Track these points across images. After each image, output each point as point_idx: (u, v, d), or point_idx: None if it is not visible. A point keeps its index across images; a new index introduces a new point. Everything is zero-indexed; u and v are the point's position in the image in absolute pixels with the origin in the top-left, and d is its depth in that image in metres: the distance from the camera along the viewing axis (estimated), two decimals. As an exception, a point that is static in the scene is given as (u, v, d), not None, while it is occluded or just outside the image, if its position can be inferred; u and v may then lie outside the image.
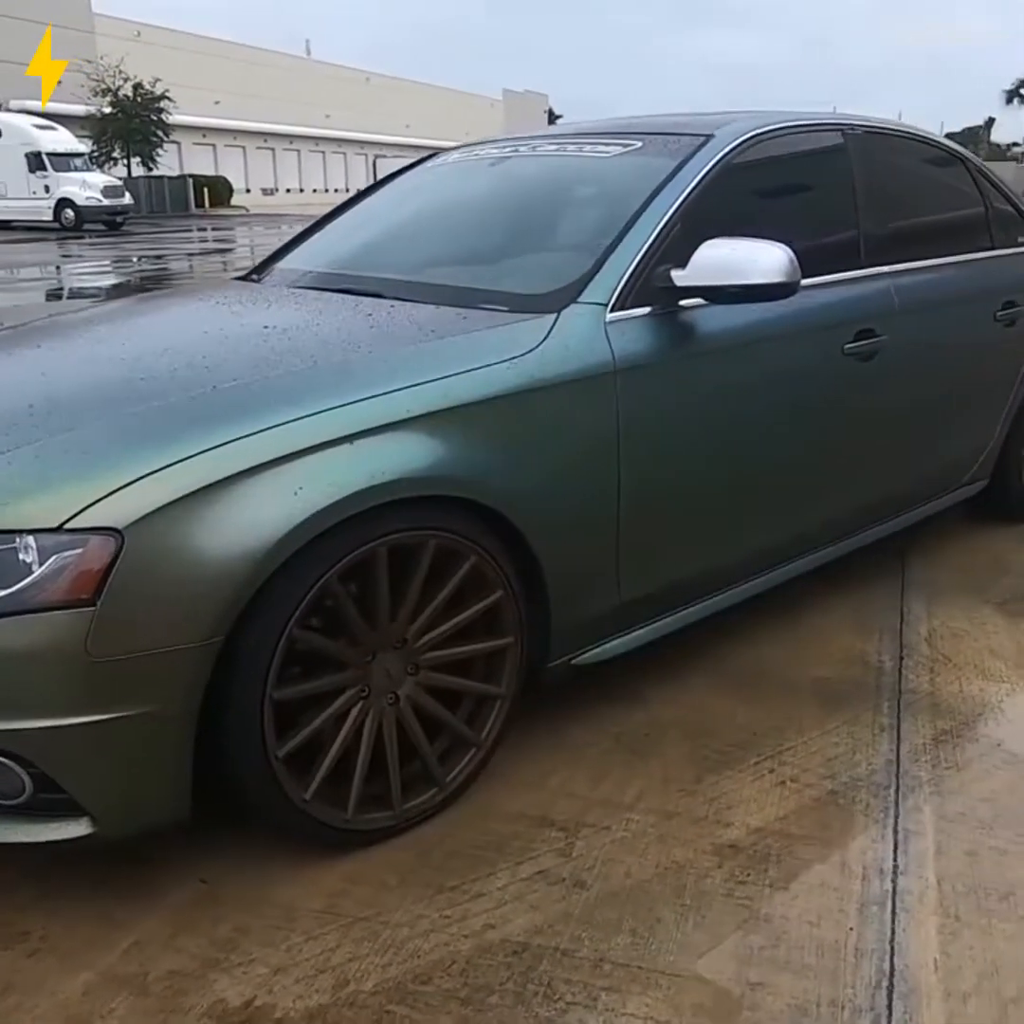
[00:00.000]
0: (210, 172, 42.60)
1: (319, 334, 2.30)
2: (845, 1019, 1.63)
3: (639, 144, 2.82)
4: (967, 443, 3.48)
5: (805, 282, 2.68)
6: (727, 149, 2.67)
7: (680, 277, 2.38)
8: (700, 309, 2.46)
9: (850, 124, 3.11)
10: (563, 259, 2.49)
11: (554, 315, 2.27)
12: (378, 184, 3.49)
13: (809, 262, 2.76)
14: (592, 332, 2.27)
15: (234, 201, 41.36)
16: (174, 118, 37.10)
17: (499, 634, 2.15)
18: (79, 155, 28.53)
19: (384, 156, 47.51)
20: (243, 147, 46.72)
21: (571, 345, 2.23)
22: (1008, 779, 2.26)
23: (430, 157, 3.51)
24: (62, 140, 27.92)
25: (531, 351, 2.17)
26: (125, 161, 36.67)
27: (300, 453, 1.81)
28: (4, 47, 35.88)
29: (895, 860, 2.00)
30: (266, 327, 2.33)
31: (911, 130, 3.45)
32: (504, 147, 3.22)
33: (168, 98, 36.25)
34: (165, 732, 1.73)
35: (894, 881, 1.94)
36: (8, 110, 32.42)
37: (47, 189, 27.06)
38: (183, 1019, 1.62)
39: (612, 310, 2.32)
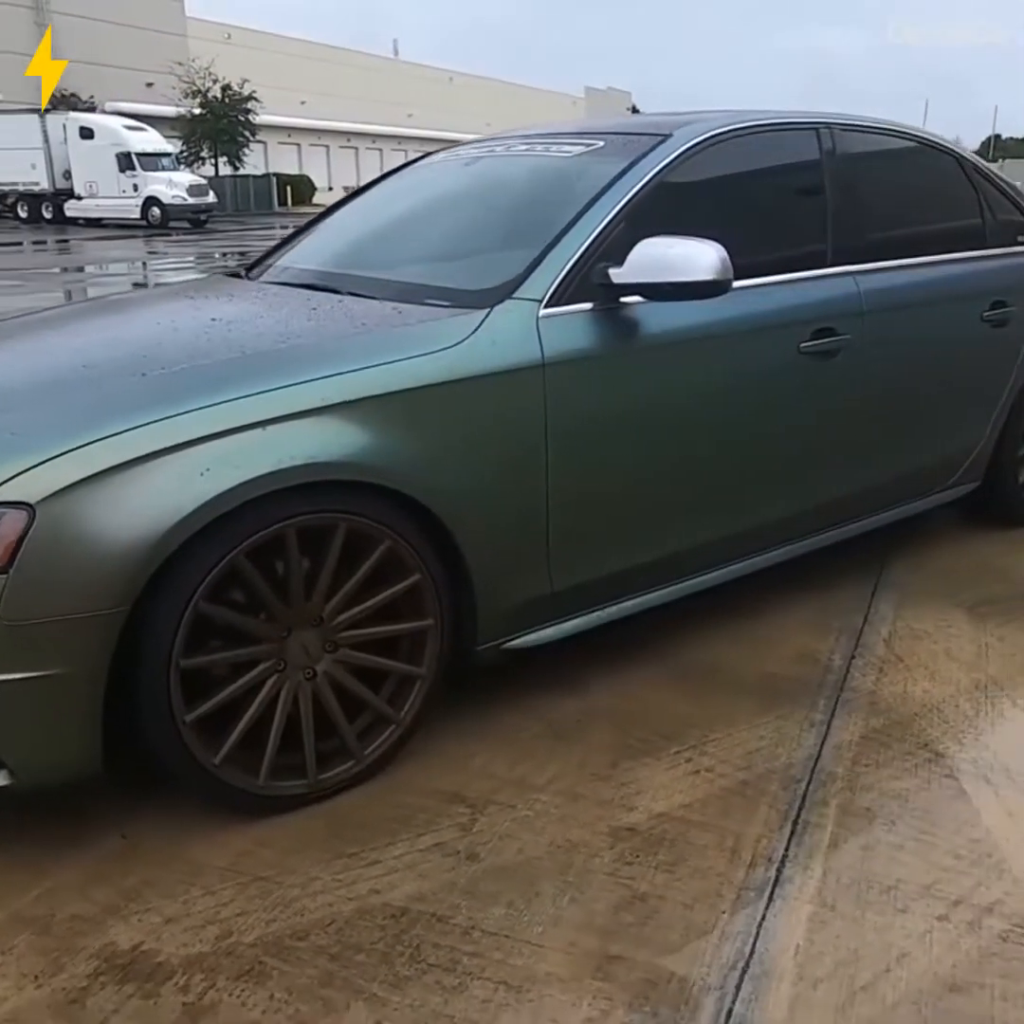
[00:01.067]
0: (294, 171, 43.56)
1: (258, 326, 2.42)
2: (692, 994, 1.67)
3: (601, 144, 2.88)
4: (952, 444, 3.43)
5: (758, 281, 2.76)
6: (682, 149, 2.71)
7: (617, 274, 2.44)
8: (645, 306, 2.51)
9: (826, 123, 3.10)
10: (508, 256, 2.55)
11: (487, 310, 2.35)
12: (370, 184, 3.61)
13: (763, 261, 2.82)
14: (522, 327, 2.34)
15: (316, 199, 42.16)
16: (260, 118, 38.01)
17: (418, 616, 2.24)
18: (167, 155, 29.46)
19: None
20: (327, 146, 47.60)
21: (498, 339, 2.30)
22: (925, 778, 2.26)
23: (422, 157, 3.61)
24: (151, 140, 28.88)
25: (456, 345, 2.25)
26: (213, 160, 37.71)
27: (210, 437, 1.92)
28: (101, 51, 37.27)
29: (786, 850, 2.03)
30: (214, 320, 2.46)
31: (900, 128, 3.41)
32: (483, 147, 3.30)
33: (255, 99, 37.17)
34: (74, 692, 1.86)
35: (779, 870, 1.97)
36: (103, 112, 33.67)
37: (136, 188, 28.01)
38: (74, 958, 1.76)
39: (547, 306, 2.39)
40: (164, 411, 1.93)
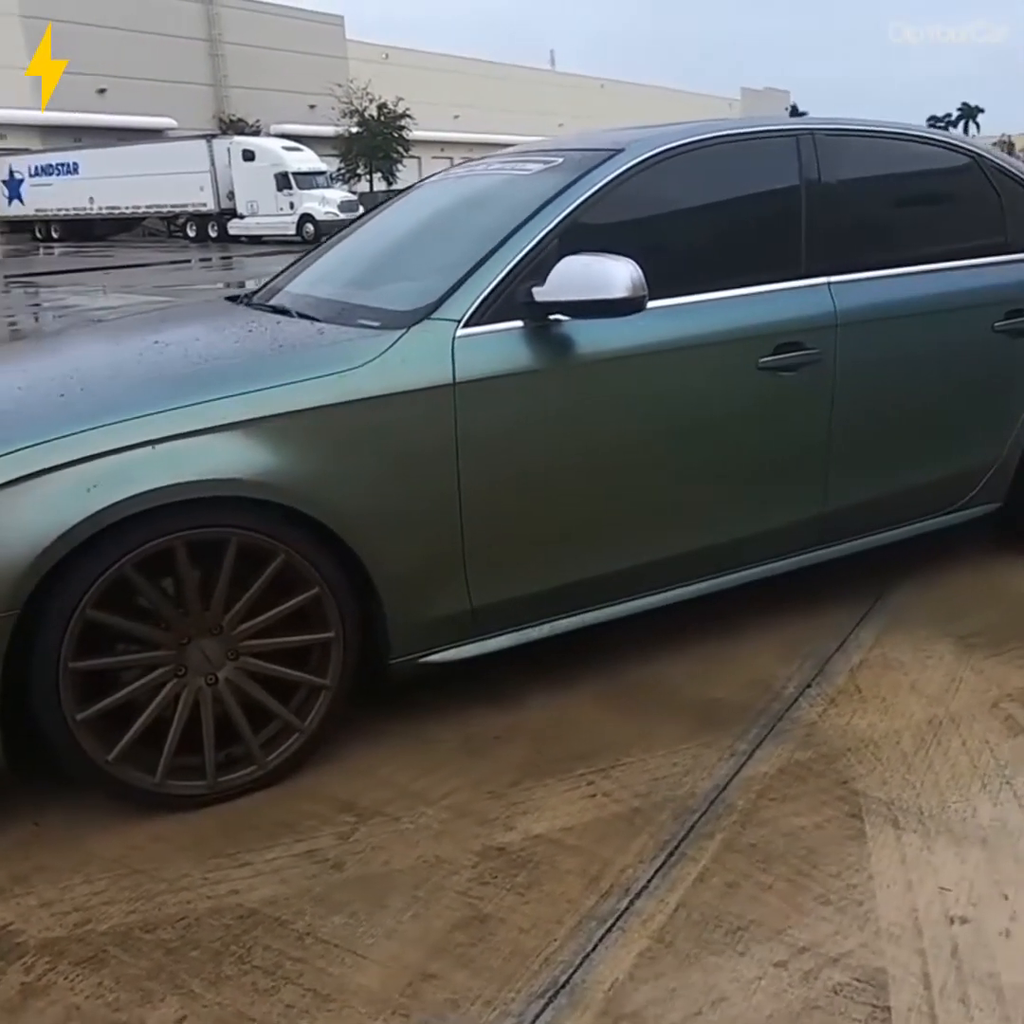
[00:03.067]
0: (447, 184, 44.62)
1: (189, 349, 2.55)
2: (489, 1019, 1.67)
3: (560, 160, 2.87)
4: (958, 462, 3.22)
5: (711, 296, 2.70)
6: (629, 165, 2.68)
7: (539, 293, 2.44)
8: (580, 324, 2.50)
9: (808, 129, 2.99)
10: (442, 277, 2.59)
11: (403, 331, 2.40)
12: (382, 203, 3.71)
13: (717, 275, 2.75)
14: (435, 347, 2.37)
15: (467, 211, 43.08)
16: (414, 134, 39.22)
17: (320, 629, 2.31)
18: (321, 173, 30.77)
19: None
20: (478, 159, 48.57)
21: (409, 359, 2.34)
22: (828, 817, 2.15)
23: (431, 177, 3.69)
24: (306, 160, 30.25)
25: (364, 364, 2.31)
26: (368, 177, 39.16)
27: (101, 455, 2.06)
28: (267, 77, 39.38)
29: (649, 882, 1.98)
30: (155, 342, 2.62)
31: (905, 131, 3.24)
32: (473, 166, 3.35)
33: (409, 116, 38.40)
34: (-30, 690, 2.03)
35: (632, 901, 1.93)
36: (267, 134, 35.56)
37: (292, 205, 29.38)
38: (-54, 932, 1.92)
39: (466, 325, 2.42)
40: (63, 429, 2.07)
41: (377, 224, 3.43)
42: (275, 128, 38.03)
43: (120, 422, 2.10)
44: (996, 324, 3.15)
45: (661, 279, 2.68)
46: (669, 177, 2.76)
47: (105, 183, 31.67)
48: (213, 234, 31.43)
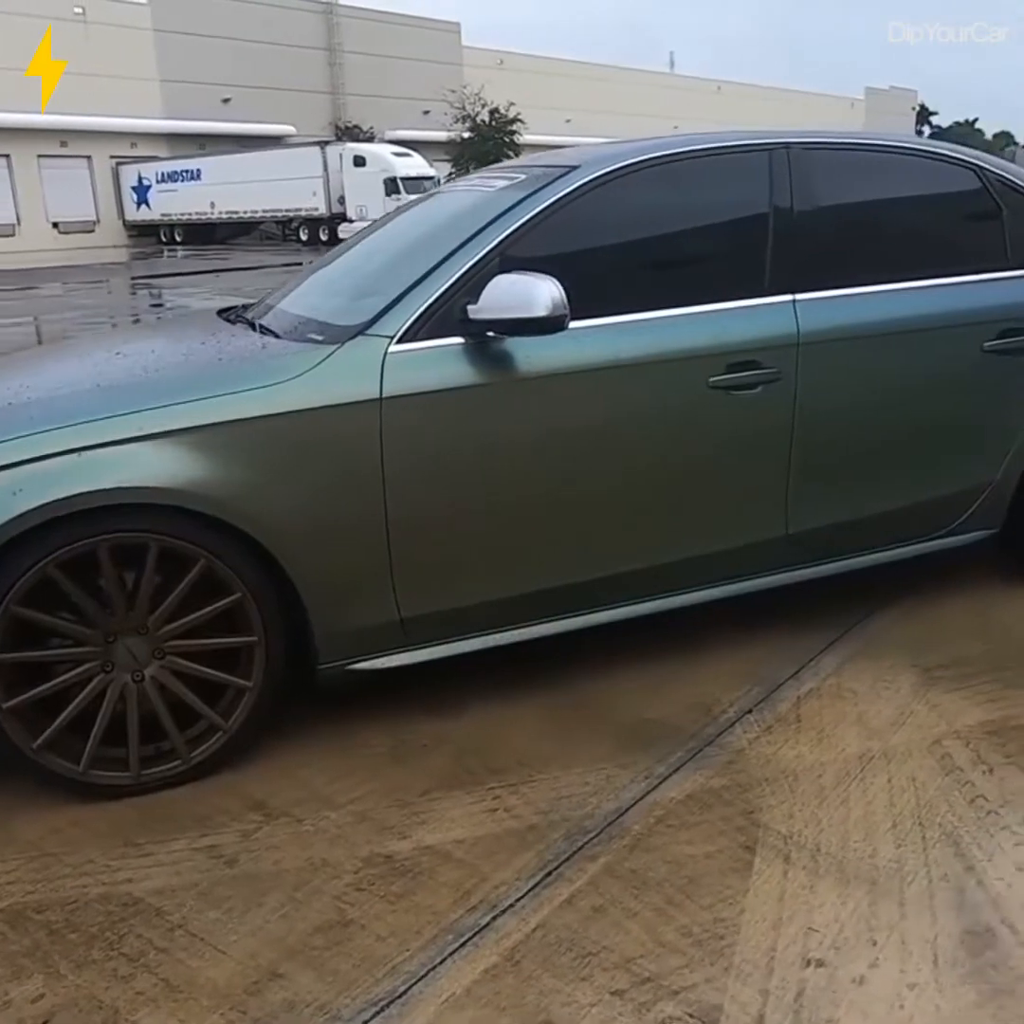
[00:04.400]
0: (557, 188, 44.69)
1: (141, 361, 2.67)
2: (320, 1022, 1.71)
3: (522, 177, 2.89)
4: (946, 487, 3.09)
5: (660, 314, 2.68)
6: (580, 183, 2.68)
7: (472, 310, 2.47)
8: (522, 341, 2.51)
9: (784, 143, 2.92)
10: (386, 292, 2.64)
11: (337, 345, 2.46)
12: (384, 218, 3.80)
13: (672, 293, 2.73)
14: (365, 363, 2.43)
15: (576, 214, 43.07)
16: (525, 138, 39.42)
17: (245, 632, 2.40)
18: (429, 178, 31.23)
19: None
20: (591, 162, 48.44)
21: (337, 374, 2.41)
22: (721, 847, 2.12)
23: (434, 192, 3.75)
24: (415, 165, 30.79)
25: (292, 379, 2.38)
26: (478, 181, 39.54)
27: (29, 461, 2.19)
28: (383, 84, 40.26)
29: (518, 901, 1.98)
30: (117, 354, 2.75)
31: (895, 143, 3.13)
32: (458, 183, 3.40)
33: (520, 120, 38.65)
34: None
35: (494, 918, 1.94)
36: (382, 140, 36.36)
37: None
38: None
39: (400, 342, 2.47)
40: (2, 436, 2.22)
41: (366, 239, 3.50)
42: (390, 134, 38.83)
43: (51, 430, 2.23)
44: (986, 344, 3.02)
45: (609, 297, 2.70)
46: (625, 194, 2.75)
47: (225, 189, 32.97)
48: (324, 238, 32.28)
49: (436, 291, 2.51)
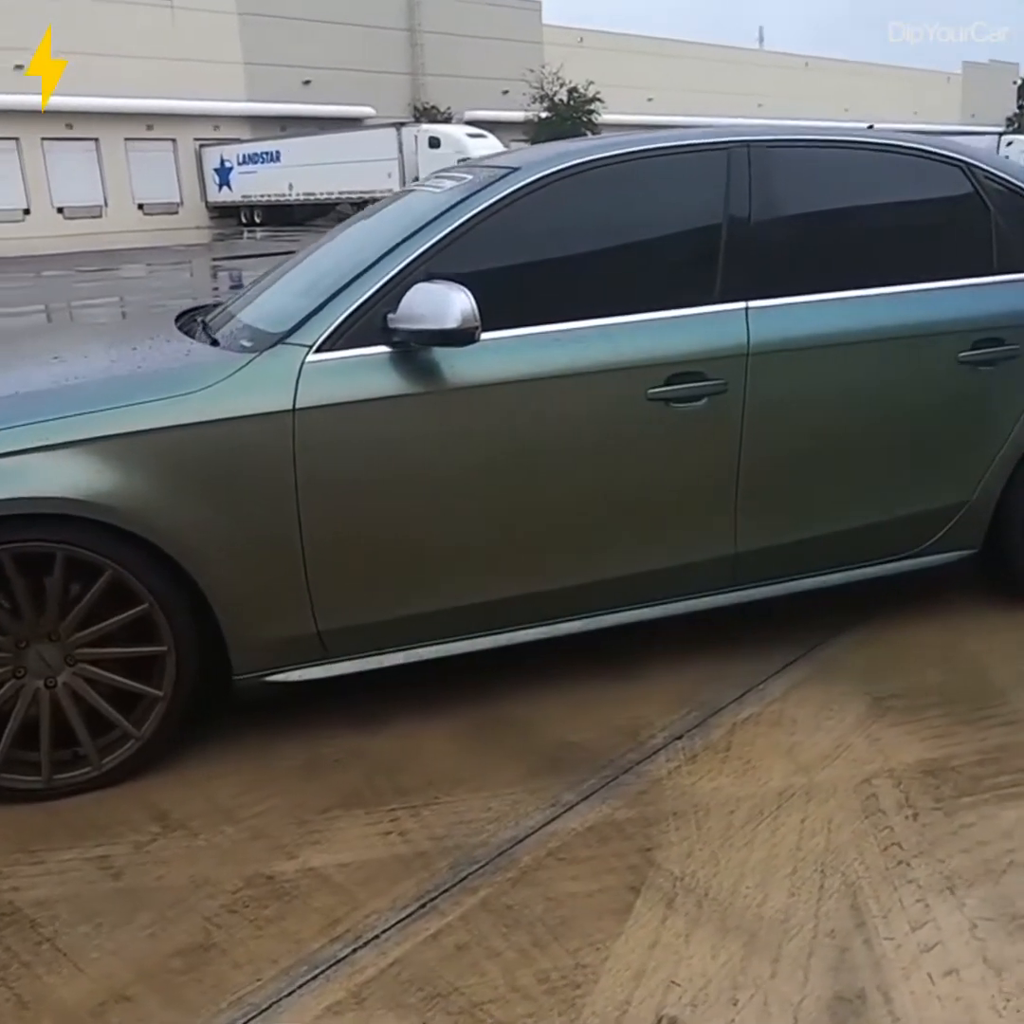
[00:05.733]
0: (637, 167, 44.02)
1: (70, 366, 2.68)
2: (151, 1052, 1.70)
3: (469, 177, 2.81)
4: (914, 505, 2.92)
5: (598, 323, 2.58)
6: (518, 186, 2.59)
7: (392, 320, 2.41)
8: (448, 351, 2.44)
9: (744, 142, 2.77)
10: (313, 299, 2.59)
11: (255, 354, 2.43)
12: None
13: (612, 301, 2.63)
14: (280, 372, 2.39)
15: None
16: (605, 117, 38.92)
17: (153, 642, 2.39)
18: (502, 159, 31.13)
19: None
20: (672, 142, 47.55)
21: (250, 384, 2.37)
22: (605, 885, 2.03)
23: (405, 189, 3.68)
24: (489, 146, 30.58)
25: (203, 389, 2.35)
26: (555, 161, 39.20)
27: (-72, 472, 2.21)
28: (462, 64, 40.12)
29: (383, 933, 1.94)
30: (55, 358, 2.76)
31: (874, 139, 2.95)
32: (424, 183, 3.32)
33: (599, 100, 38.19)
34: None
35: (355, 951, 1.90)
36: (460, 121, 36.30)
37: (471, 191, 29.89)
38: None
39: (319, 351, 2.42)
40: None
41: (330, 240, 3.45)
42: (468, 114, 38.72)
43: None
44: (961, 355, 2.83)
45: (544, 305, 2.61)
46: (567, 197, 2.65)
47: (302, 170, 33.29)
48: (398, 219, 32.42)
49: (358, 299, 2.46)
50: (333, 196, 33.85)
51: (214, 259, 22.02)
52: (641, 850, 2.14)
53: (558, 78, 38.16)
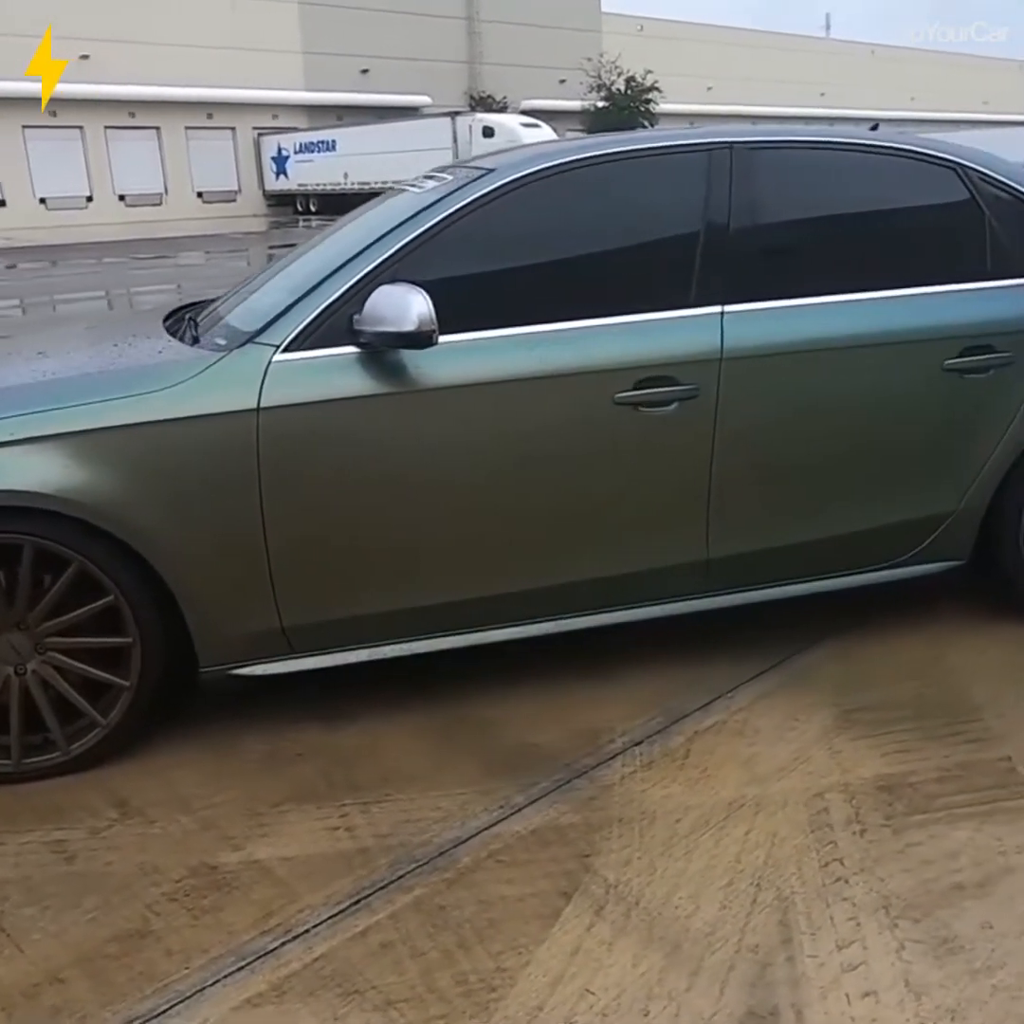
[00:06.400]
0: (694, 158, 43.53)
1: (50, 362, 2.73)
2: (70, 1034, 1.75)
3: (449, 177, 2.82)
4: (896, 515, 2.86)
5: (567, 326, 2.58)
6: (491, 188, 2.59)
7: (357, 321, 2.43)
8: (416, 353, 2.46)
9: (727, 143, 2.73)
10: (285, 298, 2.62)
11: (224, 353, 2.47)
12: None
13: (583, 304, 2.62)
14: (247, 371, 2.42)
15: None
16: (663, 107, 38.52)
17: (120, 633, 2.45)
18: (556, 149, 31.00)
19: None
20: (730, 132, 46.95)
21: (217, 383, 2.41)
22: (539, 890, 2.04)
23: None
24: (542, 135, 30.50)
25: (171, 386, 2.40)
26: (611, 151, 38.90)
27: (-94, 462, 2.29)
28: (520, 53, 39.98)
29: (314, 927, 1.97)
30: (39, 353, 2.83)
31: (864, 141, 2.88)
32: (416, 182, 3.33)
33: (657, 89, 37.80)
34: None
35: (284, 944, 1.93)
36: (515, 111, 36.23)
37: (522, 181, 29.84)
38: None
39: (286, 351, 2.45)
40: None
41: (317, 241, 3.48)
42: (524, 104, 38.61)
43: None
44: (947, 362, 2.77)
45: (513, 308, 2.61)
46: (543, 199, 2.64)
47: (357, 159, 33.51)
48: (451, 209, 32.49)
49: (326, 300, 2.48)
50: (388, 184, 33.98)
51: (270, 247, 22.28)
52: (580, 856, 2.15)
53: (616, 67, 37.87)
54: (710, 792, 2.35)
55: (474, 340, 2.52)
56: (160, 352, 2.62)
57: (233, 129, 36.90)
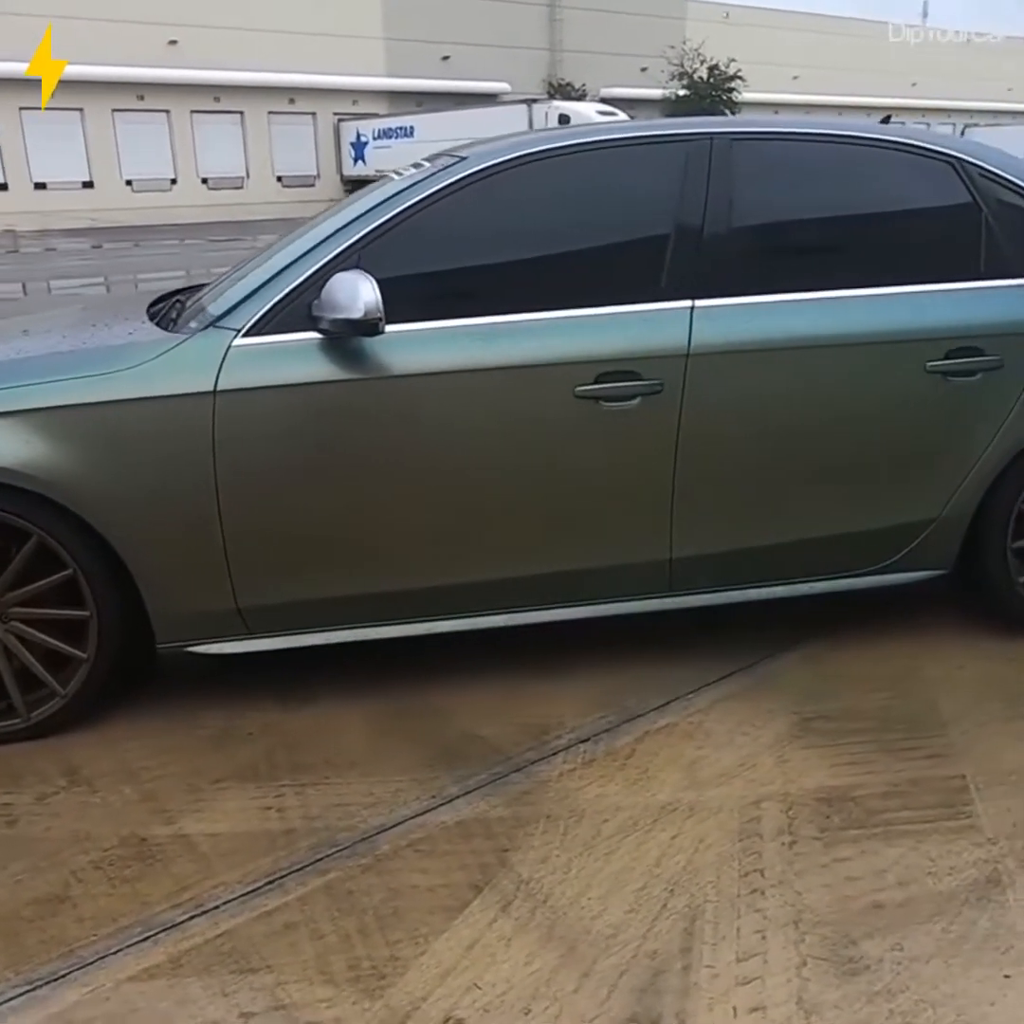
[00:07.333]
0: (777, 149, 42.61)
1: (29, 342, 2.80)
2: (-27, 992, 1.81)
3: (427, 165, 2.81)
4: (873, 521, 2.77)
5: (529, 317, 2.56)
6: (460, 177, 2.58)
7: (315, 307, 2.44)
8: (375, 341, 2.46)
9: (707, 134, 2.67)
10: (255, 283, 2.63)
11: (187, 336, 2.51)
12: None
13: (548, 296, 2.60)
14: (207, 355, 2.45)
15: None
16: (746, 96, 37.80)
17: (78, 606, 2.51)
18: (633, 138, 30.68)
19: (976, 125, 43.44)
20: (816, 122, 45.82)
21: (176, 365, 2.45)
22: (449, 881, 2.04)
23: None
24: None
25: (132, 367, 2.44)
26: (691, 141, 38.35)
27: None
28: (602, 40, 39.63)
29: (224, 904, 2.00)
30: (24, 332, 2.91)
31: (854, 133, 2.78)
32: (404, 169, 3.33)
33: (740, 77, 37.11)
34: None
35: (192, 918, 1.96)
36: (594, 98, 35.96)
37: (598, 170, 29.62)
38: None
39: (247, 335, 2.47)
40: None
41: (301, 228, 3.48)
42: (604, 92, 38.30)
43: None
44: (930, 363, 2.67)
45: (477, 298, 2.60)
46: (512, 189, 2.62)
47: (434, 146, 33.42)
48: (526, 197, 32.42)
49: (289, 285, 2.50)
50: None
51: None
52: (499, 850, 2.14)
53: (699, 55, 37.28)
54: (645, 794, 2.32)
55: (434, 329, 2.51)
56: (131, 334, 2.67)
57: (314, 114, 37.35)
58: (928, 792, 2.29)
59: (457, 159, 2.66)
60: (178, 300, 3.10)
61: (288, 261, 2.57)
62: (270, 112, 36.30)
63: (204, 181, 35.80)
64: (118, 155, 33.31)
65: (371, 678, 2.82)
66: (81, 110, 31.60)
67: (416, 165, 2.97)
